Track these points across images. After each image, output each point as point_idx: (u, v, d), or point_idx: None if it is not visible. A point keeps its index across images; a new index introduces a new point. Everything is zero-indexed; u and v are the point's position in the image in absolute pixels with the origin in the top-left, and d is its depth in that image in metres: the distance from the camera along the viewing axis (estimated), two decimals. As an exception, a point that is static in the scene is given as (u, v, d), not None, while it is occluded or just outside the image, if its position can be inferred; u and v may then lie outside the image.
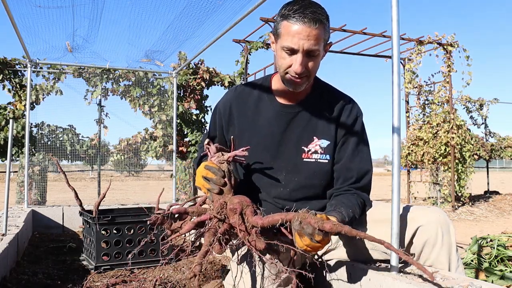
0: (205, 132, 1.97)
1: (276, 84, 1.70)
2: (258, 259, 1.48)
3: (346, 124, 1.68)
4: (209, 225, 1.39)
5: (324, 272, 1.76)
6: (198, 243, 1.50)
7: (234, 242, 1.45)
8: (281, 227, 1.34)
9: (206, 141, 1.67)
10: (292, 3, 1.52)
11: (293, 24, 1.47)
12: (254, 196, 1.73)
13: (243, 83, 2.14)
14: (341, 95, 1.73)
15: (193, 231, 1.47)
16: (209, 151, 1.64)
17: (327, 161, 1.67)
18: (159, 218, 1.48)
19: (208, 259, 1.35)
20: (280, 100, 1.70)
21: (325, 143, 1.67)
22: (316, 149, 1.67)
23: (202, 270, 1.31)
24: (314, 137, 1.67)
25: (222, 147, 1.68)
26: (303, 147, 1.67)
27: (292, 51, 1.50)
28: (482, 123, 11.35)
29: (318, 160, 1.67)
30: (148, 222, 1.49)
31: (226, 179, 1.51)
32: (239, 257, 1.60)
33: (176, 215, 1.57)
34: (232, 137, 1.69)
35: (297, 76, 1.53)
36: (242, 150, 1.57)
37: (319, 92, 1.71)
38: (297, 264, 1.65)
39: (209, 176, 1.51)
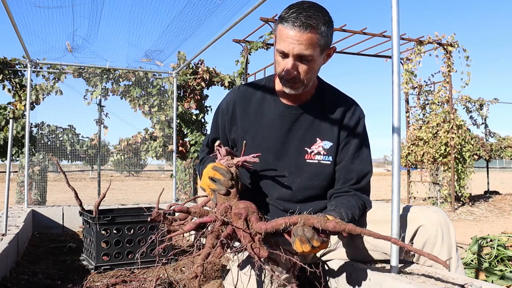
0: (207, 133, 1.96)
1: (279, 85, 1.70)
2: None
3: (349, 126, 1.68)
4: (212, 227, 1.38)
5: (324, 272, 1.76)
6: (198, 242, 1.49)
7: (236, 245, 1.44)
8: (284, 233, 1.33)
9: (217, 142, 1.64)
10: (292, 6, 1.51)
11: (285, 28, 1.47)
12: (256, 197, 1.73)
13: (244, 83, 2.14)
14: (344, 97, 1.74)
15: (192, 231, 1.46)
16: (219, 152, 1.62)
17: (329, 162, 1.67)
18: (160, 215, 1.46)
19: (208, 260, 1.34)
20: (284, 101, 1.70)
21: (328, 144, 1.67)
22: (319, 150, 1.67)
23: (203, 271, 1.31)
24: (317, 139, 1.67)
25: (232, 151, 1.67)
26: (306, 148, 1.67)
27: (284, 55, 1.51)
28: (482, 123, 11.35)
29: (321, 161, 1.67)
30: (149, 219, 1.47)
31: (233, 182, 1.50)
32: (239, 257, 1.59)
33: (177, 215, 1.57)
34: (244, 142, 1.69)
35: (289, 79, 1.54)
36: (253, 156, 1.56)
37: (322, 94, 1.71)
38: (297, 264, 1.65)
39: (216, 176, 1.50)
